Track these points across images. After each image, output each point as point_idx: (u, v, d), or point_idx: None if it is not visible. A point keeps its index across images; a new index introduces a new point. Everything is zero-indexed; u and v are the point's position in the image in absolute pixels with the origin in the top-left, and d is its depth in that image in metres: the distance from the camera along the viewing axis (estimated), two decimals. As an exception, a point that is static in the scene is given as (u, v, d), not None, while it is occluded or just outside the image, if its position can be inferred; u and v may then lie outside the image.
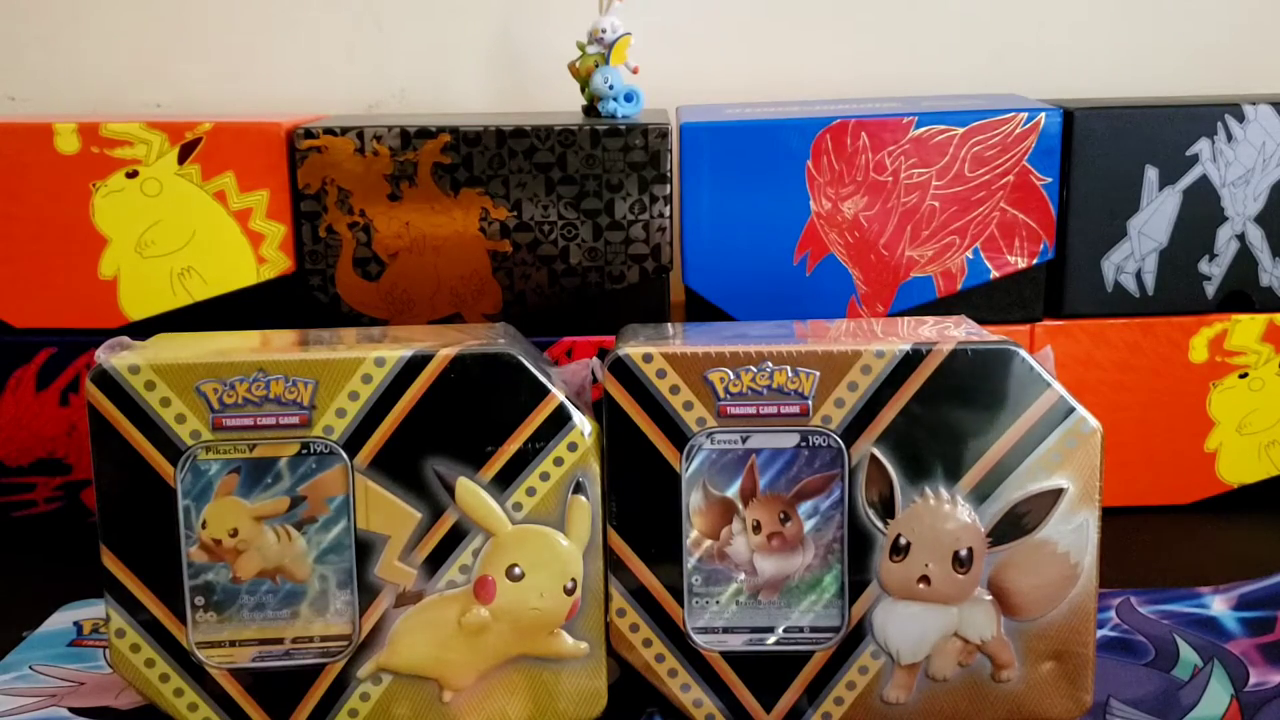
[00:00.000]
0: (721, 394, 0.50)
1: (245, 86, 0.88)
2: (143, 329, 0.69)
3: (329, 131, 0.69)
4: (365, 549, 0.50)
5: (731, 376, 0.50)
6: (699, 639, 0.51)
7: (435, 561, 0.51)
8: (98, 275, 0.71)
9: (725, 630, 0.52)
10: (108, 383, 0.49)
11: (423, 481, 0.50)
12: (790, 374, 0.50)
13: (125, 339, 0.53)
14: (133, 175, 0.70)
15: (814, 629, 0.52)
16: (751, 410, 0.50)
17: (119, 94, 0.88)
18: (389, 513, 0.50)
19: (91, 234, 0.70)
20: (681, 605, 0.51)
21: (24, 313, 0.71)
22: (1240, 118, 0.71)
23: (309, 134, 0.69)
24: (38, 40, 0.88)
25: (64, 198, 0.70)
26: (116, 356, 0.50)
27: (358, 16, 0.88)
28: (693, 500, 0.52)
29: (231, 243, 0.71)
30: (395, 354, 0.50)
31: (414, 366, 0.50)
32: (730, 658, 0.51)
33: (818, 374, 0.50)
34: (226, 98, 0.88)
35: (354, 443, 0.50)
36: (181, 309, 0.71)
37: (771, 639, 0.52)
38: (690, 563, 0.52)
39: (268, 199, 0.70)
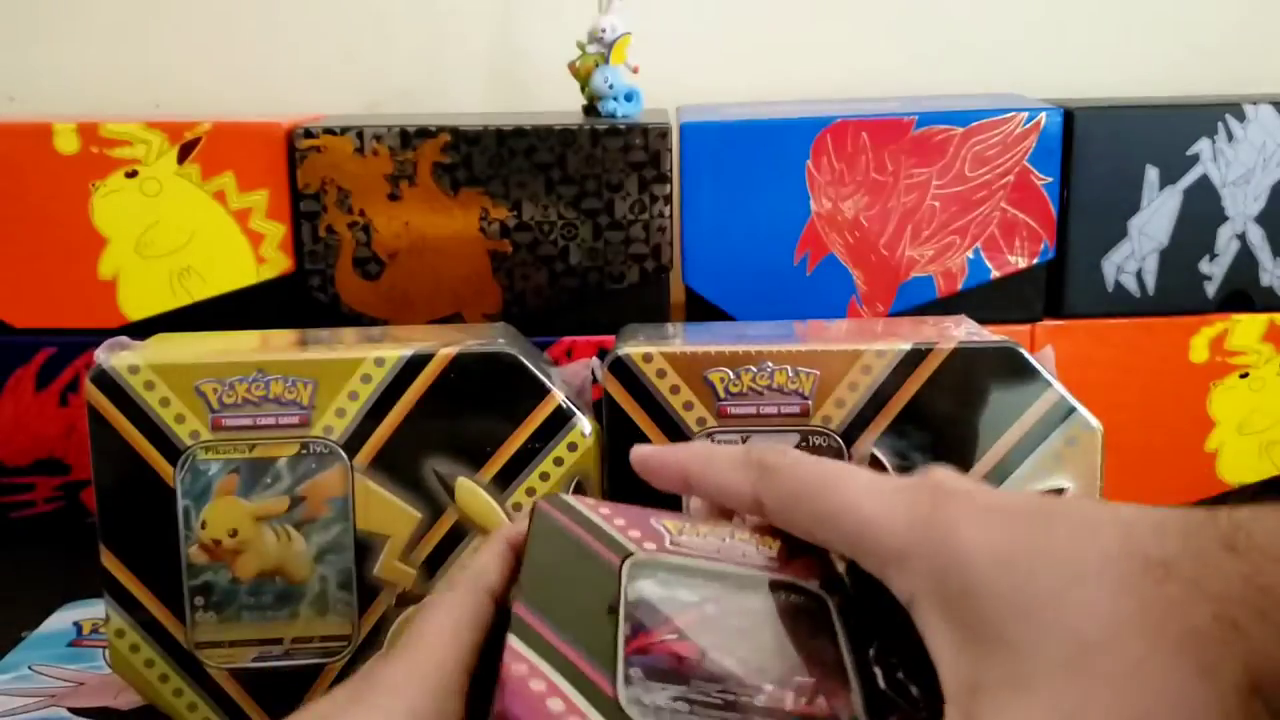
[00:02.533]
0: (722, 394, 0.50)
1: (244, 86, 0.88)
2: (142, 329, 0.69)
3: (328, 131, 0.69)
4: (365, 549, 0.50)
5: (732, 376, 0.50)
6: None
7: (435, 562, 0.51)
8: (97, 275, 0.71)
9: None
10: (107, 383, 0.49)
11: (422, 482, 0.50)
12: (790, 374, 0.50)
13: (124, 339, 0.53)
14: (132, 175, 0.70)
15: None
16: (752, 410, 0.50)
17: (118, 94, 0.88)
18: (389, 513, 0.50)
19: (91, 234, 0.70)
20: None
21: (23, 313, 0.71)
22: (1241, 117, 0.71)
23: (308, 133, 0.69)
24: (37, 40, 0.88)
25: (63, 197, 0.70)
26: (116, 356, 0.50)
27: (357, 16, 0.88)
28: (693, 501, 0.52)
29: (231, 242, 0.71)
30: (395, 354, 0.50)
31: (414, 366, 0.50)
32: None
33: (818, 374, 0.50)
34: (226, 97, 0.88)
35: (354, 443, 0.50)
36: (181, 309, 0.71)
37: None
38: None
39: (267, 199, 0.70)
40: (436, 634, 0.33)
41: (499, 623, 0.34)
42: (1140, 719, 0.25)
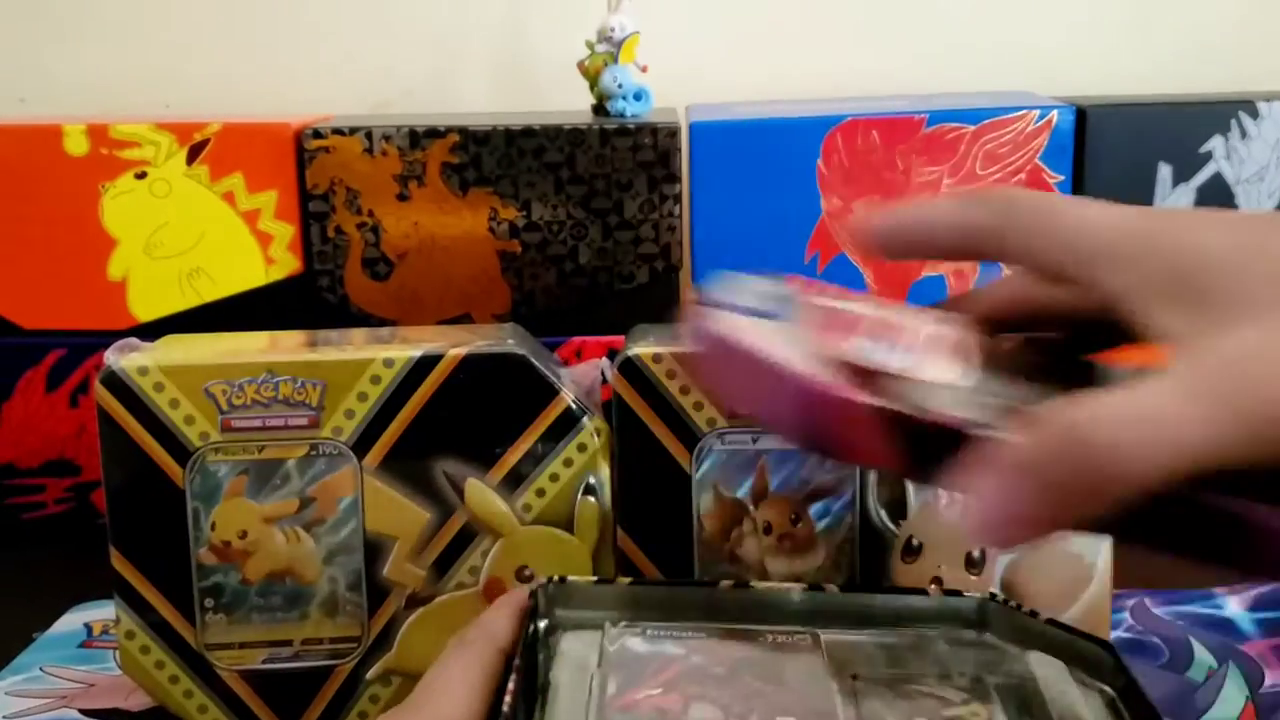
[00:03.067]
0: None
1: (253, 87, 0.88)
2: (152, 330, 0.69)
3: (337, 132, 0.68)
4: (374, 550, 0.50)
5: (742, 376, 0.50)
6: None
7: (445, 563, 0.50)
8: (107, 276, 0.71)
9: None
10: (117, 384, 0.49)
11: (432, 483, 0.50)
12: (801, 374, 0.50)
13: (134, 340, 0.53)
14: (141, 176, 0.70)
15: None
16: (762, 410, 0.50)
17: (127, 95, 0.88)
18: (398, 514, 0.50)
19: (100, 235, 0.70)
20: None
21: (33, 314, 0.71)
22: (1254, 114, 0.70)
23: (317, 134, 0.69)
24: (46, 42, 0.88)
25: (73, 199, 0.70)
26: (125, 358, 0.50)
27: (366, 16, 0.88)
28: (703, 501, 0.52)
29: (240, 243, 0.71)
30: (404, 355, 0.50)
31: (423, 367, 0.50)
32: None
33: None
34: (234, 98, 0.88)
35: (363, 444, 0.50)
36: (190, 310, 0.71)
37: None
38: (700, 564, 0.52)
39: (276, 199, 0.70)
40: (447, 690, 0.34)
41: (506, 682, 0.35)
42: None
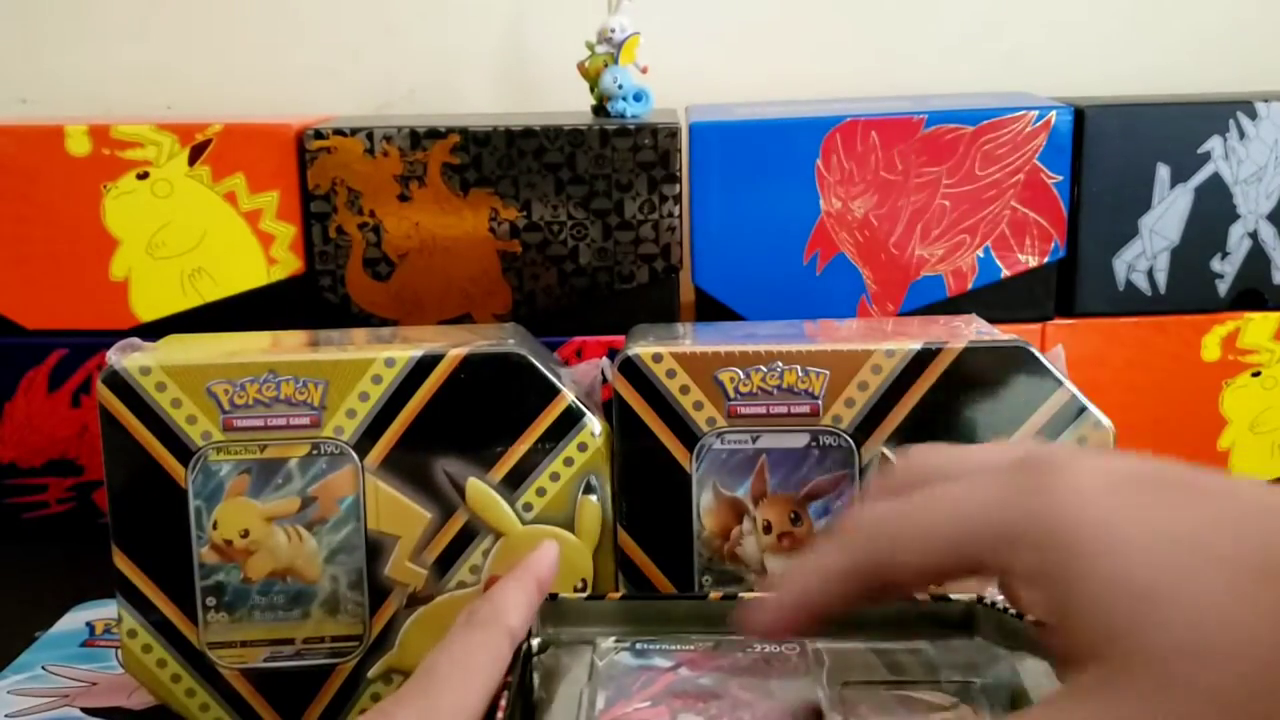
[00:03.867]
0: (731, 394, 0.50)
1: (255, 88, 0.89)
2: (153, 330, 0.69)
3: (339, 132, 0.69)
4: (376, 549, 0.51)
5: (741, 376, 0.50)
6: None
7: (445, 562, 0.51)
8: (109, 276, 0.71)
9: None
10: (119, 384, 0.49)
11: (433, 482, 0.50)
12: (800, 373, 0.50)
13: (136, 340, 0.53)
14: (143, 177, 0.70)
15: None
16: (761, 410, 0.50)
17: (129, 96, 0.88)
18: (399, 513, 0.50)
19: (102, 235, 0.70)
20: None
21: (35, 314, 0.72)
22: (1252, 115, 0.70)
23: (319, 135, 0.69)
24: (48, 42, 0.89)
25: (75, 199, 0.70)
26: (128, 358, 0.50)
27: (367, 17, 0.88)
28: (703, 500, 0.52)
29: (242, 244, 0.71)
30: (405, 354, 0.50)
31: (424, 367, 0.50)
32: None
33: (828, 373, 0.50)
34: (236, 99, 0.88)
35: (364, 443, 0.50)
36: (192, 310, 0.71)
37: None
38: (700, 563, 0.52)
39: (278, 200, 0.70)
40: (451, 675, 0.33)
41: (514, 664, 0.35)
42: None
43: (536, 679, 0.37)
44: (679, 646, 0.37)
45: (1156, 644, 0.24)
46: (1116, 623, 0.25)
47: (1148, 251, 0.72)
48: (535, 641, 0.38)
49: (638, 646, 0.37)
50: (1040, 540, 0.26)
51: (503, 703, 0.33)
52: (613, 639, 0.38)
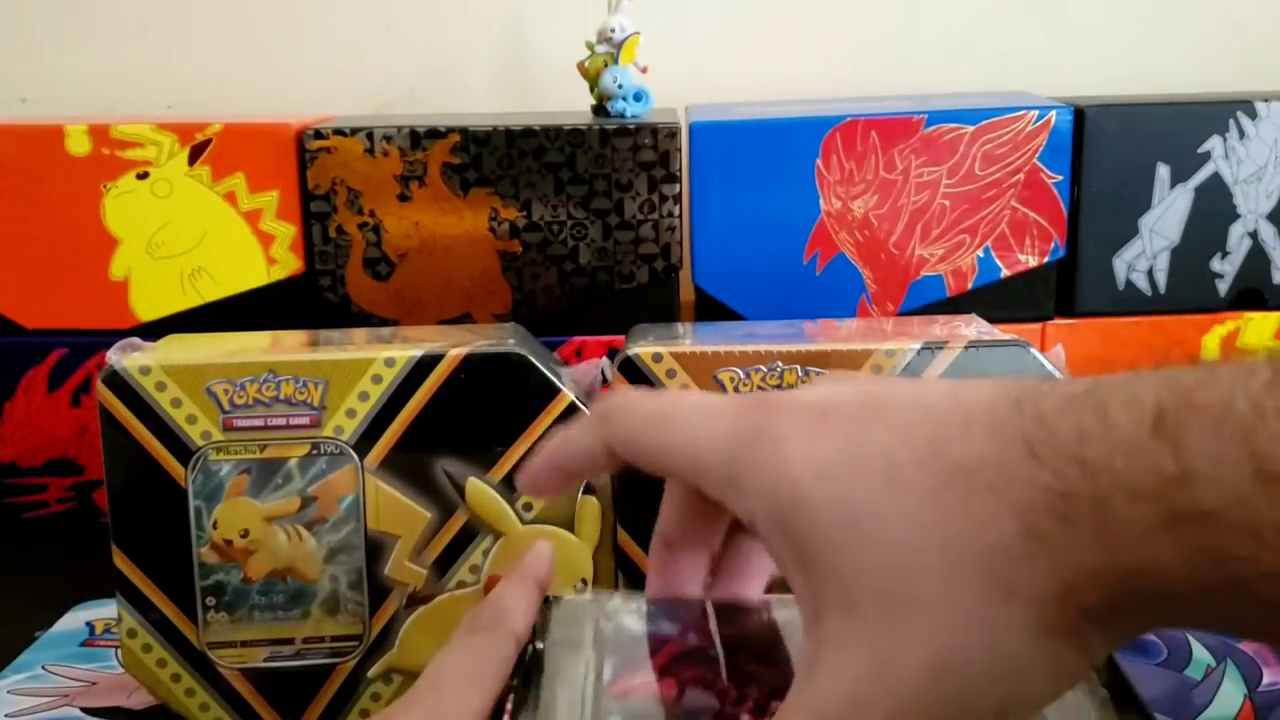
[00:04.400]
0: (732, 393, 0.50)
1: (255, 87, 0.89)
2: (153, 330, 0.69)
3: (339, 132, 0.69)
4: (376, 549, 0.51)
5: (741, 376, 0.50)
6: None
7: (445, 562, 0.51)
8: (109, 276, 0.71)
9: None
10: (119, 384, 0.49)
11: (433, 482, 0.50)
12: (800, 373, 0.50)
13: (136, 340, 0.53)
14: (143, 176, 0.70)
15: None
16: (762, 410, 0.50)
17: (129, 95, 0.88)
18: (399, 513, 0.50)
19: (102, 235, 0.70)
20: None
21: (35, 314, 0.72)
22: (1252, 114, 0.70)
23: (319, 134, 0.69)
24: (48, 42, 0.89)
25: (75, 199, 0.70)
26: (128, 357, 0.50)
27: (367, 17, 0.88)
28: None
29: (242, 243, 0.71)
30: (405, 354, 0.50)
31: (424, 367, 0.50)
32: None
33: (828, 373, 0.50)
34: (236, 99, 0.88)
35: (364, 443, 0.50)
36: (192, 309, 0.71)
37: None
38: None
39: (278, 200, 0.70)
40: (458, 680, 0.33)
41: (518, 666, 0.35)
42: (950, 649, 0.24)
43: (539, 678, 0.37)
44: (685, 610, 0.36)
45: (872, 567, 0.25)
46: (839, 558, 0.25)
47: (1148, 251, 0.72)
48: (539, 644, 0.38)
49: (643, 609, 0.36)
50: (760, 475, 0.27)
51: (508, 705, 0.33)
52: (619, 597, 0.37)
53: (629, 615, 0.36)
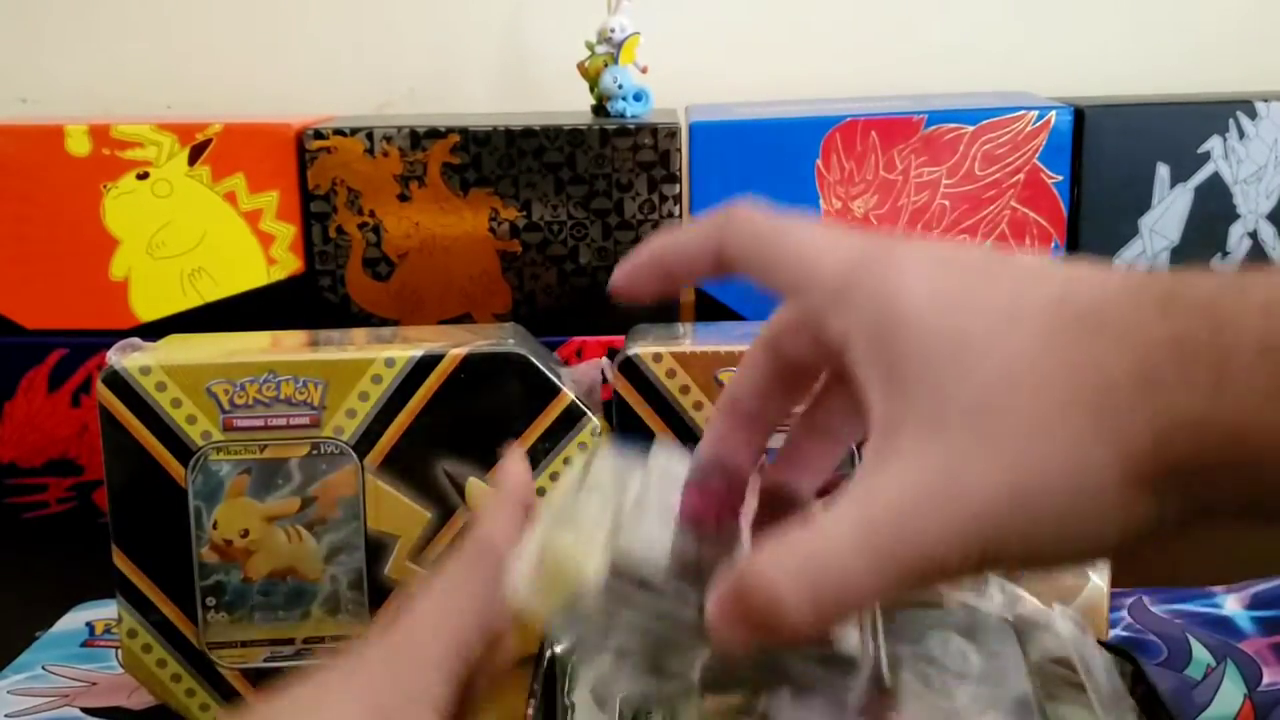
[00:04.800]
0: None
1: (255, 87, 0.89)
2: (154, 330, 0.69)
3: (339, 132, 0.69)
4: (376, 549, 0.51)
5: (741, 376, 0.50)
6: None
7: (446, 562, 0.51)
8: (109, 276, 0.71)
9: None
10: (119, 384, 0.49)
11: (433, 482, 0.50)
12: (800, 373, 0.50)
13: (136, 340, 0.53)
14: (143, 177, 0.70)
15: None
16: (762, 410, 0.50)
17: (129, 95, 0.88)
18: (399, 513, 0.50)
19: (102, 235, 0.70)
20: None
21: (35, 314, 0.72)
22: (1252, 114, 0.70)
23: (319, 135, 0.69)
24: (48, 42, 0.89)
25: (75, 199, 0.70)
26: (128, 358, 0.50)
27: (367, 17, 0.88)
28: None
29: (242, 243, 0.71)
30: (405, 354, 0.50)
31: (424, 367, 0.50)
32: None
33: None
34: (236, 99, 0.88)
35: (364, 443, 0.50)
36: (192, 310, 0.71)
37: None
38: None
39: (278, 200, 0.70)
40: (425, 615, 0.32)
41: (537, 670, 0.34)
42: (1035, 474, 0.24)
43: (561, 683, 0.36)
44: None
45: (973, 385, 0.25)
46: (939, 376, 0.25)
47: (1148, 251, 0.72)
48: (558, 648, 0.38)
49: (678, 454, 0.36)
50: (872, 293, 0.27)
51: (529, 711, 0.33)
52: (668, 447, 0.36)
53: (677, 463, 0.35)
